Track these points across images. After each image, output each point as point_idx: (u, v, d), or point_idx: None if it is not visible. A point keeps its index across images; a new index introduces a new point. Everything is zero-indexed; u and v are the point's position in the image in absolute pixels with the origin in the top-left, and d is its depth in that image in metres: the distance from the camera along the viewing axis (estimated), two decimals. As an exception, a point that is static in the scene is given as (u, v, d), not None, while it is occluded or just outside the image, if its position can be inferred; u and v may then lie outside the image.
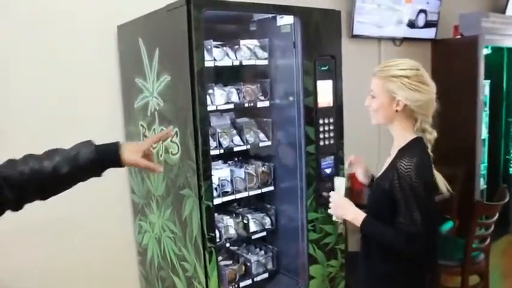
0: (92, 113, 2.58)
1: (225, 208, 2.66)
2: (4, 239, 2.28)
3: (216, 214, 2.56)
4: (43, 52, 2.39)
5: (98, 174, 1.35)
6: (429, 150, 1.70)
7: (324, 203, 2.43)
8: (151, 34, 2.27)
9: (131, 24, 2.44)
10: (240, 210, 2.72)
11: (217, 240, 2.41)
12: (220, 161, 2.68)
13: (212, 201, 2.08)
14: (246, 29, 2.60)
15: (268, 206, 2.68)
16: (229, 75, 2.54)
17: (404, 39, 4.02)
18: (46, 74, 2.41)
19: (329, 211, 1.89)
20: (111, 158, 1.35)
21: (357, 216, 1.74)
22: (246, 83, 2.52)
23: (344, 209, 1.81)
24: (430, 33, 4.15)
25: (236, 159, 2.69)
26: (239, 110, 2.67)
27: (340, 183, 1.86)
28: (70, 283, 2.53)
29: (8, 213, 1.26)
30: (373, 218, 1.70)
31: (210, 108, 2.29)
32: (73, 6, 2.47)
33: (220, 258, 2.72)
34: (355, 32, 3.60)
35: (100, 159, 1.32)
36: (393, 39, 3.97)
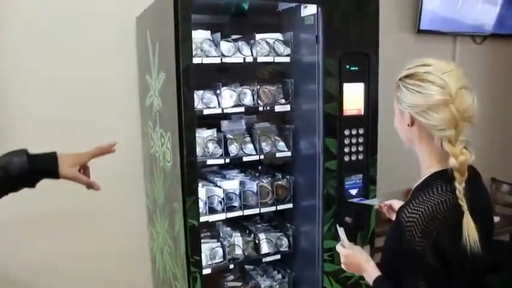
0: (110, 110, 2.44)
1: (237, 221, 2.36)
2: (17, 234, 2.26)
3: (224, 227, 2.31)
4: (60, 49, 2.30)
5: (31, 185, 1.23)
6: (460, 189, 1.11)
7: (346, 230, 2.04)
8: (155, 26, 2.04)
9: (143, 15, 2.24)
10: (254, 226, 2.40)
11: (221, 260, 2.14)
12: (235, 171, 2.39)
13: (198, 220, 1.81)
14: (269, 22, 2.26)
15: (288, 224, 2.33)
16: (245, 74, 2.22)
17: (490, 36, 3.34)
18: (64, 72, 2.31)
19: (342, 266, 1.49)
20: (45, 169, 1.23)
21: (369, 273, 1.33)
22: (264, 83, 2.19)
23: (357, 267, 1.40)
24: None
25: (252, 170, 2.37)
26: (262, 114, 2.35)
27: (341, 232, 1.47)
28: (81, 283, 2.43)
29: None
30: (386, 272, 1.29)
31: (214, 111, 2.03)
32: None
33: (231, 277, 2.45)
34: (423, 27, 3.06)
35: (33, 170, 1.20)
36: (473, 36, 3.32)
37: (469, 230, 1.09)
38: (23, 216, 2.20)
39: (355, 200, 1.99)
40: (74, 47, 2.31)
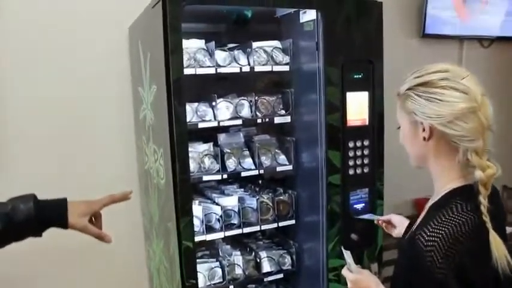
0: (104, 124, 2.35)
1: (237, 239, 2.24)
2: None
3: (224, 245, 2.20)
4: (55, 58, 2.20)
5: (38, 235, 1.11)
6: (484, 204, 1.01)
7: (351, 248, 1.91)
8: (146, 36, 1.94)
9: (135, 24, 2.14)
10: (256, 243, 2.28)
11: (220, 280, 2.02)
12: (235, 186, 2.27)
13: (193, 241, 1.69)
14: (268, 29, 2.16)
15: (291, 242, 2.20)
16: (243, 84, 2.11)
17: (497, 39, 3.22)
18: (58, 82, 2.21)
19: None
20: (53, 219, 1.12)
21: None
22: (263, 94, 2.08)
23: None
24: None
25: (252, 185, 2.25)
26: (262, 126, 2.24)
27: (348, 256, 1.35)
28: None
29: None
30: None
31: (210, 124, 1.92)
32: (84, 6, 2.23)
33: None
34: (428, 30, 2.94)
35: (40, 218, 1.09)
36: (480, 39, 3.20)
37: (498, 249, 1.00)
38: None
39: (365, 216, 1.87)
40: (66, 60, 2.21)
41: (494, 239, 1.00)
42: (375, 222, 1.67)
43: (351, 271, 1.30)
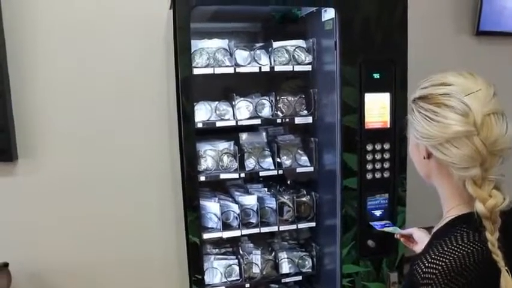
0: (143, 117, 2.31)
1: (260, 238, 2.25)
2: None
3: (248, 244, 2.22)
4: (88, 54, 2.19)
5: None
6: (492, 241, 0.86)
7: (368, 255, 1.85)
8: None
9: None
10: (279, 243, 2.27)
11: (237, 278, 2.05)
12: (259, 185, 2.28)
13: (200, 238, 1.73)
14: (295, 29, 2.14)
15: (313, 244, 2.17)
16: (263, 84, 2.11)
17: None
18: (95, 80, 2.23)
19: None
20: None
21: None
22: (285, 94, 2.07)
23: None
24: None
25: (276, 185, 2.25)
26: (287, 126, 2.23)
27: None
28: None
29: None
30: None
31: (228, 123, 1.94)
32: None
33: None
34: (483, 27, 2.72)
35: None
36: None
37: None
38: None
39: (377, 225, 1.78)
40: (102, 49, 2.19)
41: (506, 282, 0.84)
42: (395, 236, 1.57)
43: None
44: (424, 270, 0.86)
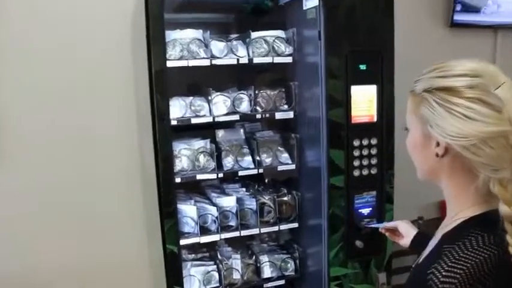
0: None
1: (239, 241, 2.12)
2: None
3: (226, 247, 2.09)
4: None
5: None
6: None
7: (357, 256, 1.76)
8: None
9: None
10: (259, 245, 2.15)
11: (217, 285, 1.92)
12: (237, 185, 2.15)
13: (178, 246, 1.58)
14: (273, 19, 2.01)
15: (296, 245, 2.06)
16: (243, 77, 1.98)
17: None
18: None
19: None
20: None
21: None
22: (264, 87, 1.94)
23: None
24: None
25: (255, 184, 2.12)
26: (266, 122, 2.11)
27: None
28: None
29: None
30: None
31: (204, 120, 1.80)
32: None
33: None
34: (457, 18, 2.69)
35: None
36: (517, 27, 2.90)
37: None
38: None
39: (373, 224, 1.70)
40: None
41: None
42: (380, 230, 1.50)
43: None
44: (442, 279, 0.77)
